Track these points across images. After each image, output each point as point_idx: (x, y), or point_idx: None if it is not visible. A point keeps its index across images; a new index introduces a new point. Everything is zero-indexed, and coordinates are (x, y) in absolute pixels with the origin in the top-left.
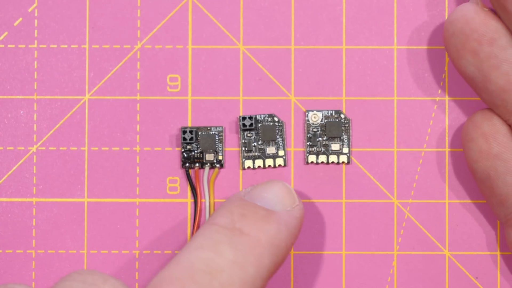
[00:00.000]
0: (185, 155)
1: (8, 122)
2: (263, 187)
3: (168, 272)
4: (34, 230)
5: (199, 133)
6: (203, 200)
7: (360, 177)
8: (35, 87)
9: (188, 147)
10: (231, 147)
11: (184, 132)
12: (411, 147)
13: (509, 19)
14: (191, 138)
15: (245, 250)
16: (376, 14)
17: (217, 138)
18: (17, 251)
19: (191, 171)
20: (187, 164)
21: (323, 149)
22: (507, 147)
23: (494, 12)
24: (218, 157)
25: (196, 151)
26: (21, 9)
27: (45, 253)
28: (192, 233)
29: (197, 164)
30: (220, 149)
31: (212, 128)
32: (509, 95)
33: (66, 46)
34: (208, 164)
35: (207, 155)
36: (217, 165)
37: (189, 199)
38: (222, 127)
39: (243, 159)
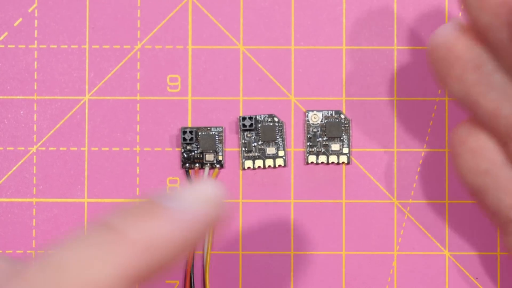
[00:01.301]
0: (185, 155)
1: (8, 122)
2: (189, 186)
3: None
4: (34, 230)
5: (199, 133)
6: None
7: (360, 178)
8: (35, 88)
9: (188, 147)
10: (231, 147)
11: (184, 132)
12: (411, 147)
13: (493, 48)
14: (191, 139)
15: (110, 248)
16: (376, 14)
17: (217, 138)
18: (17, 251)
19: (191, 172)
20: (187, 165)
21: (323, 150)
22: (495, 164)
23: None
24: (218, 157)
25: (196, 152)
26: (21, 9)
27: (45, 253)
28: None
29: (197, 165)
30: (220, 149)
31: (212, 128)
32: (500, 119)
33: (66, 46)
34: (208, 164)
35: (207, 156)
36: (217, 166)
37: None
38: (222, 127)
39: (243, 160)
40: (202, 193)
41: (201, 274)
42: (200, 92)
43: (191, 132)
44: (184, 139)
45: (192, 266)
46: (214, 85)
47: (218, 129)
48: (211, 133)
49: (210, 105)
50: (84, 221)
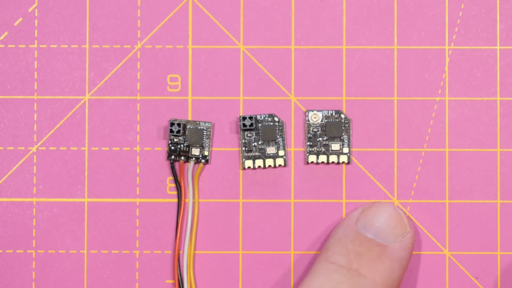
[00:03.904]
0: (172, 147)
1: (8, 122)
2: (374, 213)
3: None
4: (34, 230)
5: (188, 126)
6: (186, 200)
7: (360, 177)
8: (35, 87)
9: (176, 139)
10: (231, 147)
11: (172, 124)
12: (411, 147)
13: None
14: (178, 131)
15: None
16: (376, 14)
17: (205, 133)
18: (17, 251)
19: (176, 164)
20: (173, 157)
21: (323, 149)
22: None
23: None
24: (204, 152)
25: (183, 145)
26: (21, 9)
27: (45, 253)
28: (177, 227)
29: (182, 158)
30: (207, 144)
31: (201, 123)
32: None
33: (66, 46)
34: (194, 158)
35: (193, 149)
36: (203, 161)
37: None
38: (211, 122)
39: (244, 159)
40: (403, 221)
41: (200, 274)
42: (200, 91)
43: (179, 124)
44: (172, 131)
45: (179, 265)
46: (214, 85)
47: (207, 124)
48: (199, 127)
49: (210, 105)
50: (84, 221)
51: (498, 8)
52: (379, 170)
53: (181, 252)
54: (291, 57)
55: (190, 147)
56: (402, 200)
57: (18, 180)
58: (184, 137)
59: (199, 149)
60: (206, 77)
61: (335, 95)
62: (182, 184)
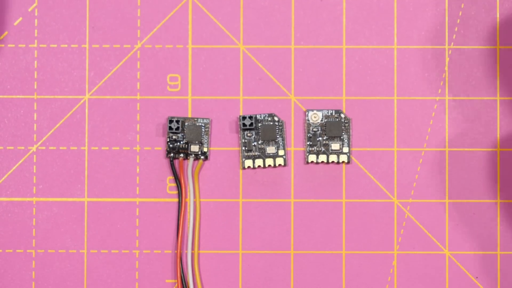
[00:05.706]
0: (171, 145)
1: (8, 121)
2: None
3: None
4: (34, 229)
5: (186, 123)
6: (187, 200)
7: (360, 177)
8: (35, 87)
9: (174, 137)
10: (231, 146)
11: (171, 121)
12: (411, 147)
13: None
14: (177, 128)
15: None
16: (376, 14)
17: (203, 129)
18: (17, 251)
19: (175, 162)
20: (172, 154)
21: (323, 149)
22: None
23: None
24: (203, 148)
25: (181, 142)
26: (21, 9)
27: (45, 253)
28: (179, 225)
29: (181, 155)
30: (206, 141)
31: (199, 119)
32: None
33: (66, 45)
34: (193, 155)
35: (192, 146)
36: (202, 157)
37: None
38: (209, 119)
39: (243, 159)
40: None
41: (200, 273)
42: (200, 91)
43: (177, 121)
44: (170, 128)
45: (181, 265)
46: (214, 85)
47: (205, 120)
48: (197, 124)
49: (210, 104)
50: (84, 221)
51: (498, 8)
52: (379, 169)
53: (182, 251)
54: (291, 57)
55: (189, 144)
56: (402, 200)
57: (18, 180)
58: (182, 134)
59: (198, 146)
60: (206, 76)
61: (335, 94)
62: (182, 181)
